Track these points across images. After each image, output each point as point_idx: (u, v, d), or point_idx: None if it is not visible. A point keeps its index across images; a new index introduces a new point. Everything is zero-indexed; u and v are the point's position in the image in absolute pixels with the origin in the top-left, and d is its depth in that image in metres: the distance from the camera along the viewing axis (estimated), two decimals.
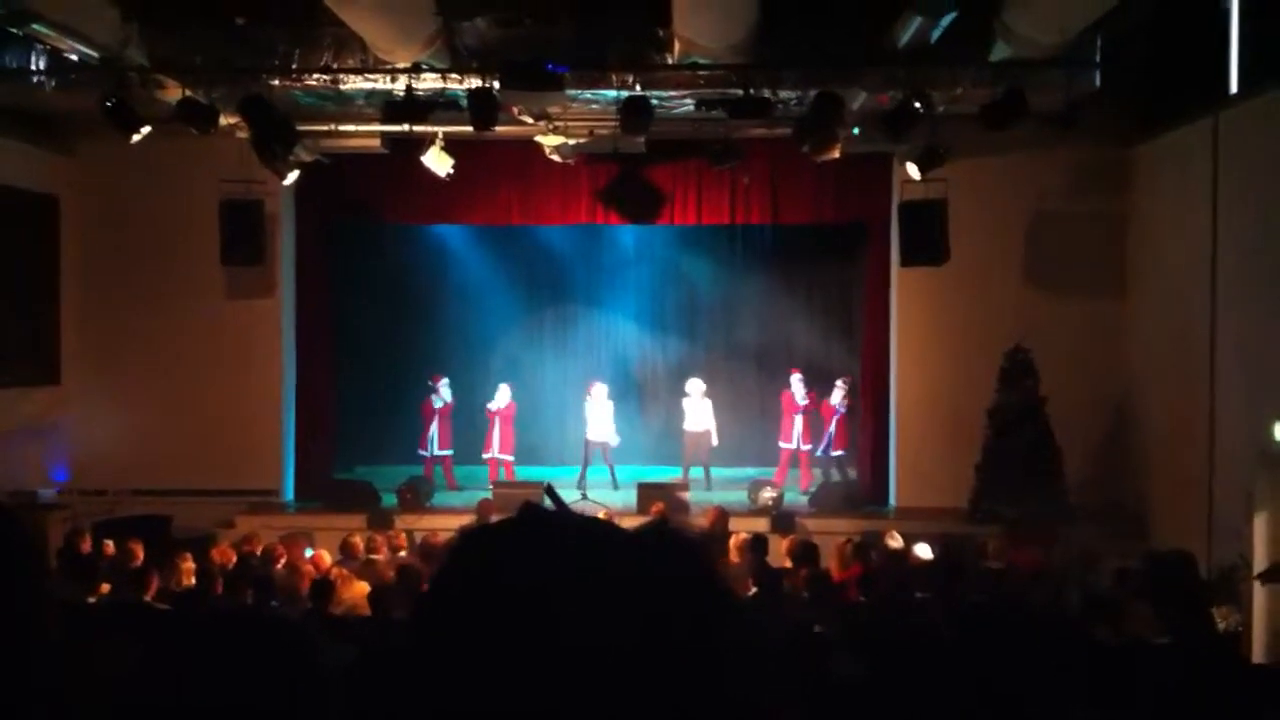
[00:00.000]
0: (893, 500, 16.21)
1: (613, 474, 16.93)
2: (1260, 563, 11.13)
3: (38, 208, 15.78)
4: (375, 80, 12.92)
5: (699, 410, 16.94)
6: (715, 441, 16.95)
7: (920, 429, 15.87)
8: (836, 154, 13.51)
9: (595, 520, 1.35)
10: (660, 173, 16.14)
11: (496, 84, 12.30)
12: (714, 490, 16.50)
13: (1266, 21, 12.13)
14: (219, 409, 16.13)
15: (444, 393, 16.95)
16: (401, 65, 12.47)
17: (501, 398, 17.03)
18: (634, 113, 12.72)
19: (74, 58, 12.33)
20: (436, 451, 16.99)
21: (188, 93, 12.76)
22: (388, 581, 10.48)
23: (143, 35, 12.36)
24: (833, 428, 16.52)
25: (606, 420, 16.90)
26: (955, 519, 14.29)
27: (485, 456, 16.95)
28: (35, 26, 11.15)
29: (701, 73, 12.78)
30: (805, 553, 10.95)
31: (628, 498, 15.53)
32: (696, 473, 16.92)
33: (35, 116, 15.08)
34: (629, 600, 1.21)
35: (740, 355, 18.98)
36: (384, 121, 13.42)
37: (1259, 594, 11.09)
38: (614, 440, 16.93)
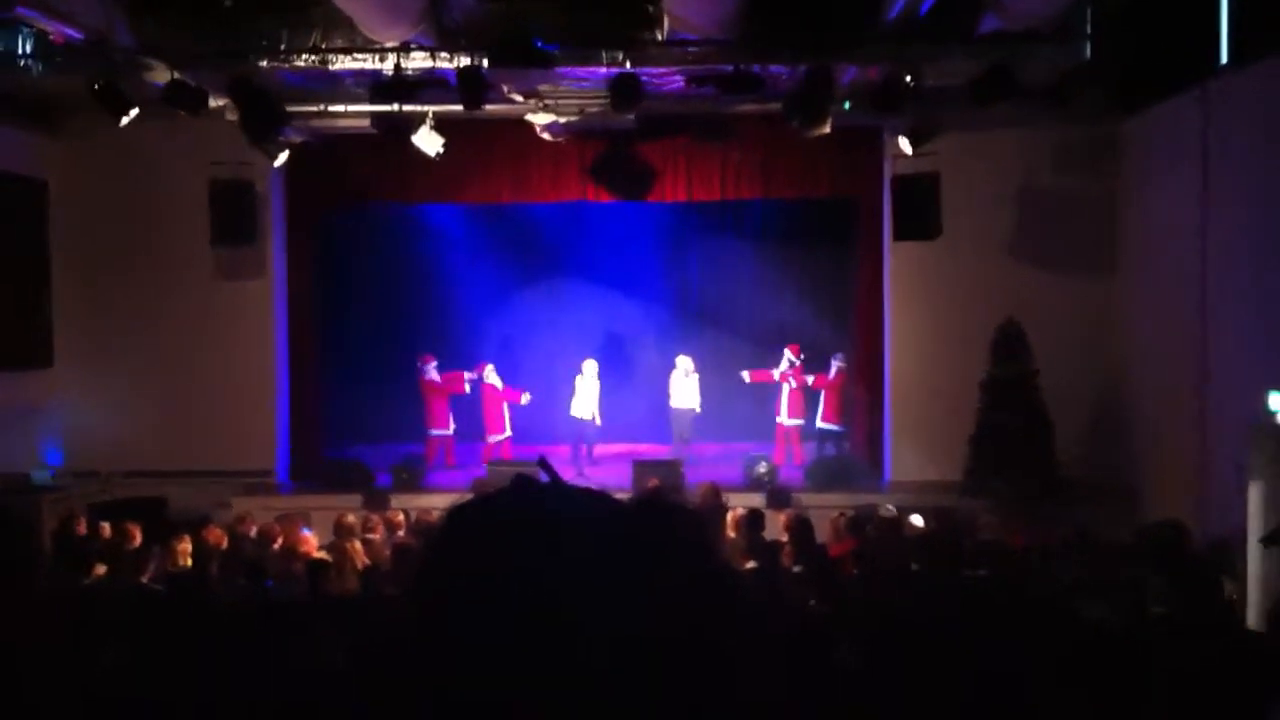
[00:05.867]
0: (888, 474, 16.23)
1: (590, 451, 17.01)
2: (1255, 534, 11.16)
3: (27, 191, 15.73)
4: (364, 60, 12.85)
5: (685, 386, 16.98)
6: (697, 410, 17.10)
7: (914, 403, 15.88)
8: (827, 129, 13.46)
9: (590, 491, 1.34)
10: (650, 149, 16.06)
11: (485, 62, 12.26)
12: (709, 465, 16.54)
13: None
14: (211, 390, 16.11)
15: (432, 373, 16.94)
16: (390, 44, 12.41)
17: (493, 377, 17.06)
18: (624, 90, 12.67)
19: (61, 40, 12.27)
20: (449, 430, 17.06)
21: (176, 75, 12.70)
22: (384, 561, 10.51)
23: (130, 17, 12.30)
24: (821, 400, 16.62)
25: (592, 399, 16.94)
26: (949, 492, 14.31)
27: (492, 439, 16.99)
28: (21, 9, 11.09)
29: (691, 49, 12.74)
30: (800, 527, 10.96)
31: (619, 475, 15.58)
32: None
33: (23, 100, 15.00)
34: (624, 570, 1.21)
35: (733, 331, 18.97)
36: (373, 101, 13.36)
37: (1254, 565, 11.13)
38: (596, 419, 17.03)
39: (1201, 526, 11.96)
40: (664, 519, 1.30)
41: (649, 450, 17.59)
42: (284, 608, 8.89)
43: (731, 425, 17.96)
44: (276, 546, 11.24)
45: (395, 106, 13.36)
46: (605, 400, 17.22)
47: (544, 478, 1.34)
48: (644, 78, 12.92)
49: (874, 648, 6.68)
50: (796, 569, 9.83)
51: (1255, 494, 11.45)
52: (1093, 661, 6.38)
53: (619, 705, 1.17)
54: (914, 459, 15.71)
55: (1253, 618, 10.50)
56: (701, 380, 17.21)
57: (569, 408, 17.08)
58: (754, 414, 17.82)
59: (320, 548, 11.20)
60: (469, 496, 1.32)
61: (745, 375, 17.15)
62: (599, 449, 17.37)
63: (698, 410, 17.10)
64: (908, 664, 6.43)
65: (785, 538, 10.96)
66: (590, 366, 17.10)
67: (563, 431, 17.31)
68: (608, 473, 16.31)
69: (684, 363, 17.12)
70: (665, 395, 17.41)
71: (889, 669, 6.42)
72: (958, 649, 6.58)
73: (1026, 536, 11.50)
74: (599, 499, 1.31)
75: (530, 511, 1.27)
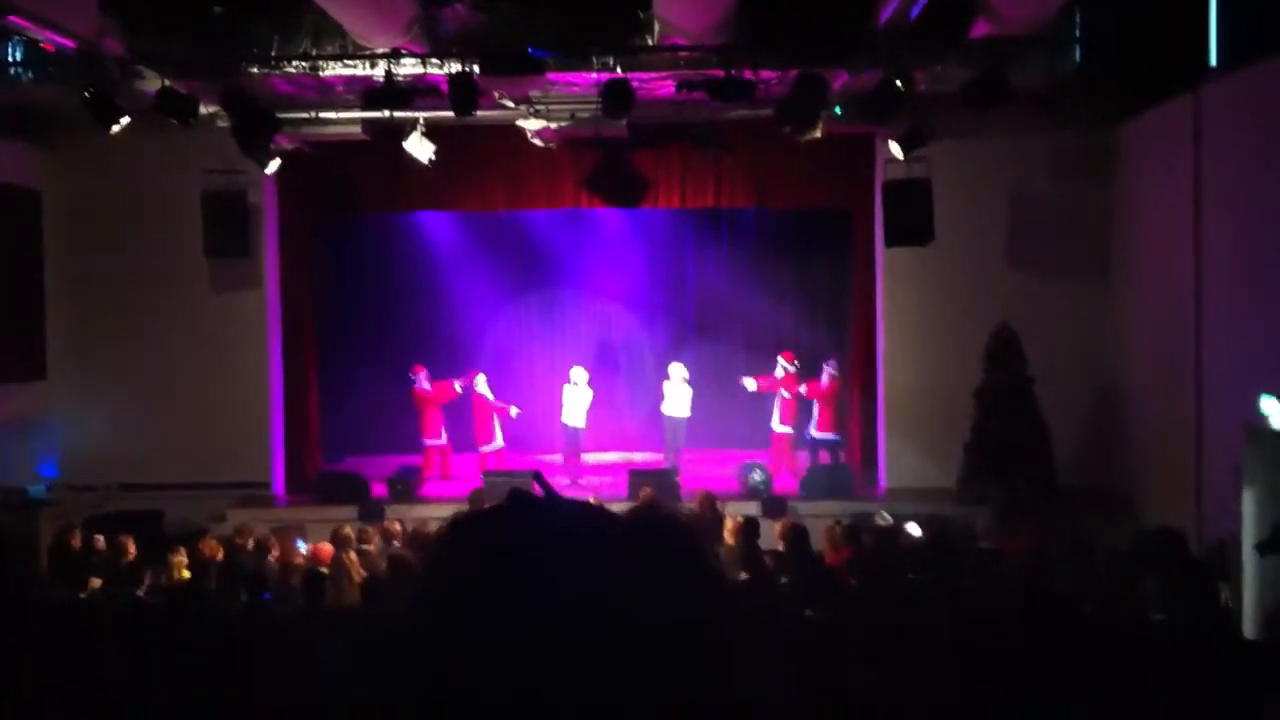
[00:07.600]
0: (883, 482, 16.22)
1: (578, 458, 16.98)
2: (1250, 538, 11.16)
3: (19, 202, 15.70)
4: (355, 66, 12.85)
5: (678, 394, 16.96)
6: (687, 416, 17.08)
7: (909, 410, 15.88)
8: (819, 134, 13.46)
9: (585, 505, 1.34)
10: (644, 157, 16.03)
11: (476, 69, 12.25)
12: (705, 474, 16.53)
13: None
14: (206, 402, 16.07)
15: (423, 383, 16.89)
16: (381, 51, 12.40)
17: (484, 387, 17.01)
18: (615, 95, 12.65)
19: (52, 49, 12.24)
20: (442, 440, 17.03)
21: (167, 83, 12.68)
22: (380, 572, 10.48)
23: (121, 25, 12.27)
24: (815, 409, 16.59)
25: (581, 406, 16.91)
26: (945, 500, 14.32)
27: (484, 449, 16.95)
28: (13, 17, 11.06)
29: (682, 54, 12.73)
30: (796, 536, 10.93)
31: (614, 483, 15.60)
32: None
33: (14, 110, 14.94)
34: (620, 584, 1.20)
35: (727, 339, 18.93)
36: (364, 108, 13.35)
37: (1250, 570, 11.13)
38: (582, 424, 16.97)
39: (1198, 531, 11.98)
40: (658, 531, 1.30)
41: (642, 457, 17.60)
42: (283, 620, 8.86)
43: (728, 433, 17.96)
44: (273, 559, 11.23)
45: (387, 113, 13.34)
46: (599, 408, 17.17)
47: (538, 491, 1.34)
48: (635, 83, 12.92)
49: (874, 655, 6.68)
50: (784, 580, 9.80)
51: (1250, 499, 11.46)
52: (1092, 667, 6.38)
53: (621, 715, 1.16)
54: (909, 466, 15.70)
55: (1249, 622, 10.51)
56: (696, 388, 17.13)
57: (561, 415, 17.06)
58: (750, 422, 17.79)
59: None
60: (466, 510, 1.32)
61: (751, 383, 17.05)
62: (592, 457, 17.32)
63: (687, 416, 17.05)
64: (907, 670, 6.42)
65: (781, 547, 10.94)
66: (579, 374, 17.06)
67: (557, 439, 17.31)
68: (603, 481, 16.32)
69: (677, 370, 17.09)
70: (659, 403, 17.39)
71: (890, 675, 6.41)
72: (957, 656, 6.58)
73: (1023, 543, 11.48)
74: (593, 512, 1.32)
75: (526, 526, 1.27)
